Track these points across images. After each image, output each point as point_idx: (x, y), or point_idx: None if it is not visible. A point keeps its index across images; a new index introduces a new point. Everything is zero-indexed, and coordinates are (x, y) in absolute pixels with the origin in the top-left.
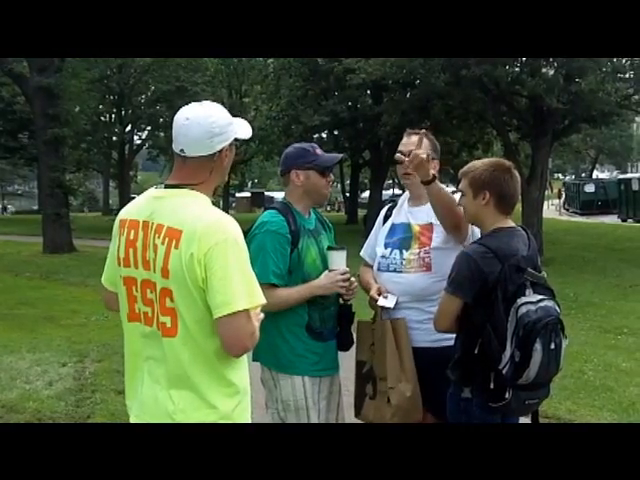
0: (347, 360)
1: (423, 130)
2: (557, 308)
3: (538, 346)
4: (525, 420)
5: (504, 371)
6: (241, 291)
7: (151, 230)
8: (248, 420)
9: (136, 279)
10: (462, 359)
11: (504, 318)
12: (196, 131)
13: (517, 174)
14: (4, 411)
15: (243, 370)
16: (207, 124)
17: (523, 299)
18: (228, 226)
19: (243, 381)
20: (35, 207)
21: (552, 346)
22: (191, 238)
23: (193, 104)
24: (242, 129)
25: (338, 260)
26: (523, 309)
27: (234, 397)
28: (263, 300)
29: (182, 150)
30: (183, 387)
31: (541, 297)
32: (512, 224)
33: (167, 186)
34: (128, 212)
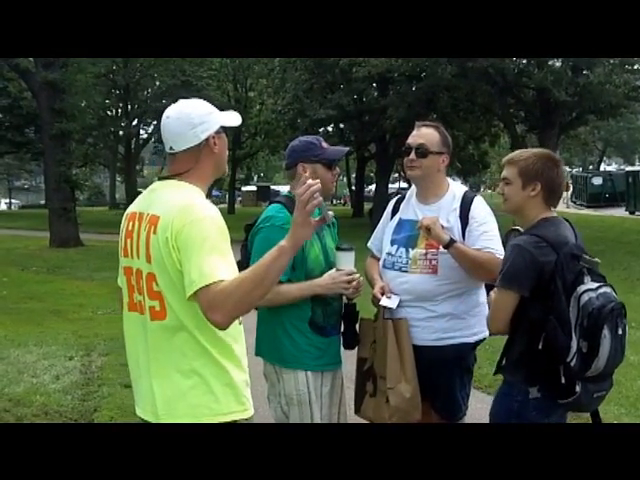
0: (352, 354)
1: (435, 123)
2: (614, 294)
3: (606, 333)
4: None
5: (572, 363)
6: (206, 268)
7: (142, 220)
8: (247, 406)
9: (132, 268)
10: (524, 358)
11: (566, 308)
12: (176, 125)
13: (563, 167)
14: (11, 405)
15: (239, 356)
16: (185, 116)
17: (583, 287)
18: (200, 209)
19: (239, 367)
20: (42, 202)
21: (619, 332)
22: (166, 223)
23: (173, 104)
24: (228, 118)
25: (345, 261)
26: (585, 297)
27: (229, 384)
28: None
29: (171, 147)
30: (177, 373)
31: (599, 284)
32: (555, 214)
33: (160, 178)
34: (132, 206)
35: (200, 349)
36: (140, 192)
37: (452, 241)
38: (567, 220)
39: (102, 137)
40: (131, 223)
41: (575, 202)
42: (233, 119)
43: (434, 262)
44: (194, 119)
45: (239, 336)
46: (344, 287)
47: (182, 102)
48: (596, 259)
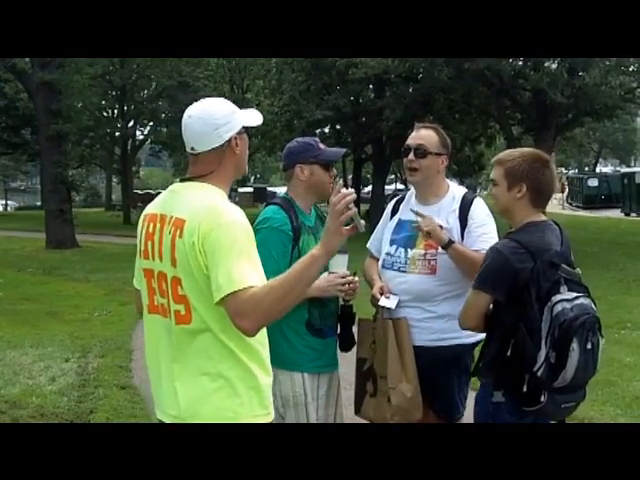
0: (349, 355)
1: (434, 125)
2: (593, 306)
3: (575, 346)
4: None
5: (539, 373)
6: (234, 274)
7: (165, 223)
8: (270, 410)
9: (153, 271)
10: (494, 361)
11: (538, 317)
12: (200, 126)
13: (554, 167)
14: (7, 406)
15: (264, 359)
16: (208, 117)
17: (558, 297)
18: (227, 213)
19: (265, 370)
20: (38, 203)
21: (589, 346)
22: (192, 227)
23: (195, 103)
24: (250, 117)
25: (339, 263)
26: (558, 307)
27: (255, 387)
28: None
29: (192, 148)
30: (203, 375)
31: (576, 294)
32: (544, 218)
33: (182, 180)
34: (150, 207)
35: (226, 352)
36: (136, 193)
37: (450, 242)
38: (557, 224)
39: (98, 138)
40: (152, 225)
41: (571, 203)
42: (255, 118)
43: (433, 262)
44: (218, 119)
45: (265, 340)
46: (339, 289)
47: (204, 101)
48: (577, 270)
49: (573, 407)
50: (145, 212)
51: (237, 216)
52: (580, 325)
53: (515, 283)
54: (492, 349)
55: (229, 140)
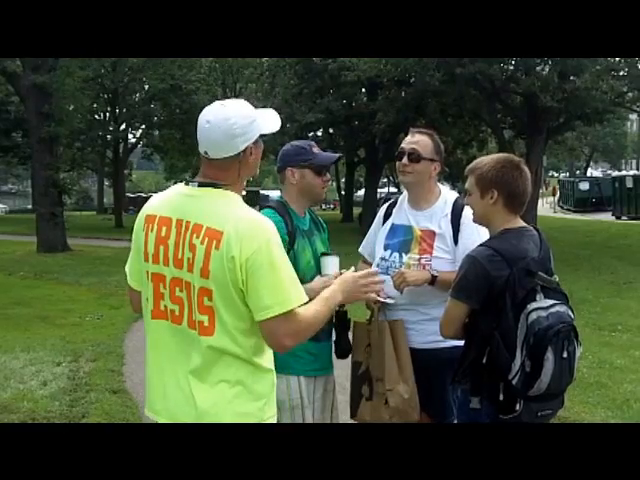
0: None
1: (429, 130)
2: (570, 313)
3: (549, 355)
4: None
5: (514, 382)
6: (281, 294)
7: (187, 229)
8: (274, 417)
9: (165, 276)
10: (471, 368)
11: (513, 325)
12: (217, 134)
13: (527, 170)
14: None
15: (272, 360)
16: (227, 127)
17: (533, 305)
18: (267, 228)
19: (270, 382)
20: (29, 206)
21: (564, 355)
22: (232, 240)
23: (215, 104)
24: (267, 123)
25: (331, 266)
26: (533, 315)
27: (264, 395)
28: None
29: (206, 152)
30: (218, 384)
31: (553, 302)
32: (522, 224)
33: (200, 184)
34: (156, 208)
35: (246, 361)
36: (128, 197)
37: (434, 277)
38: (537, 230)
39: (90, 141)
40: (165, 228)
41: (562, 207)
42: (273, 124)
43: (427, 267)
44: (236, 130)
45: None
46: None
47: (225, 107)
48: (554, 277)
49: (550, 415)
50: (149, 212)
51: (272, 229)
52: (554, 334)
53: (491, 291)
54: (469, 356)
55: (244, 150)
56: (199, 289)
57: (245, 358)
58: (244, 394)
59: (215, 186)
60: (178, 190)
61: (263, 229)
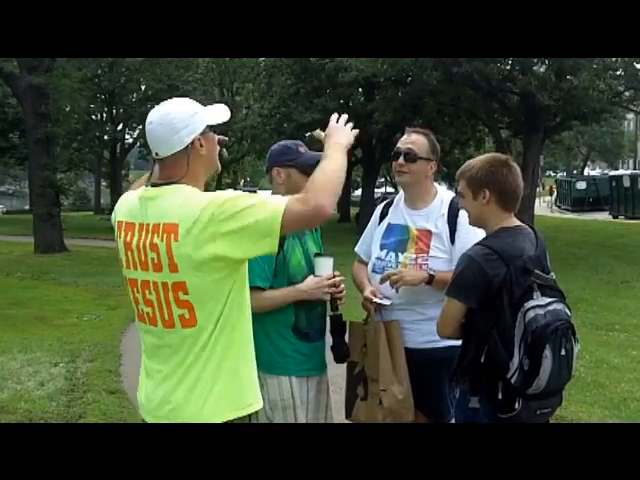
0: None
1: (426, 130)
2: (567, 311)
3: (548, 353)
4: None
5: (512, 380)
6: (269, 203)
7: (148, 232)
8: (260, 403)
9: (136, 280)
10: (469, 367)
11: (511, 324)
12: (160, 132)
13: (516, 166)
14: None
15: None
16: (167, 122)
17: (531, 303)
18: (210, 195)
19: (253, 369)
20: (26, 207)
21: (562, 352)
22: (187, 225)
23: (157, 107)
24: (213, 115)
25: (324, 267)
26: (531, 313)
27: (253, 378)
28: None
29: (156, 153)
30: (202, 378)
31: (550, 300)
32: (517, 222)
33: (153, 185)
34: (123, 214)
35: (230, 348)
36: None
37: (431, 276)
38: (533, 229)
39: (87, 141)
40: (129, 234)
41: (559, 206)
42: (220, 115)
43: (424, 267)
44: (177, 124)
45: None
46: (326, 291)
47: (164, 105)
48: (551, 274)
49: (549, 413)
50: (118, 219)
51: (221, 193)
52: (552, 332)
53: (488, 290)
54: (467, 355)
55: (192, 142)
56: (172, 285)
57: (230, 345)
58: (229, 383)
59: (169, 184)
60: (139, 194)
61: (207, 198)
